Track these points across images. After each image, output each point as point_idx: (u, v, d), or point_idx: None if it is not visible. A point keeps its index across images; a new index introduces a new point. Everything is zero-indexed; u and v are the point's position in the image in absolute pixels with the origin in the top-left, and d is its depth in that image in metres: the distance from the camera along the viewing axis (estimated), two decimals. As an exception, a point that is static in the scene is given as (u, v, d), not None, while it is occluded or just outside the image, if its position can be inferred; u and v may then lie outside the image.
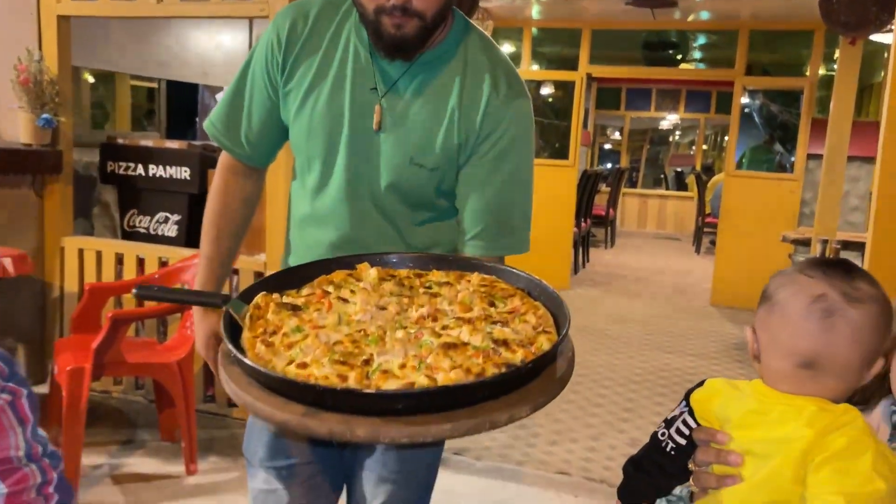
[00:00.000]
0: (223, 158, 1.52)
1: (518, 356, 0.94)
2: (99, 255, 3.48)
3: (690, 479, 1.04)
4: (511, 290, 1.14)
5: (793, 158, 6.99)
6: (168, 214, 3.75)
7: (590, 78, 7.52)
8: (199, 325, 1.50)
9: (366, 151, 1.37)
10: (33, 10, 3.38)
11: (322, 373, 0.88)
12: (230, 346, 0.95)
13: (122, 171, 3.78)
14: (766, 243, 6.09)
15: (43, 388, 3.25)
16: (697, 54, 10.01)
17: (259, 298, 1.09)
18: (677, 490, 1.11)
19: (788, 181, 6.53)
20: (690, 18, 6.46)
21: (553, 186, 6.55)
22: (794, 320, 0.96)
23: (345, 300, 1.10)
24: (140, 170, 3.74)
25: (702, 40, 8.93)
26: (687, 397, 1.07)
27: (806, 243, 4.47)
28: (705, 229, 9.60)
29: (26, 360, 3.54)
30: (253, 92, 1.44)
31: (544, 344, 0.98)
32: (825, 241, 3.88)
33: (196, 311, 1.50)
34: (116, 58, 4.60)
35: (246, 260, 3.20)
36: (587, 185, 7.92)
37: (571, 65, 6.85)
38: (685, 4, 5.80)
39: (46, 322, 3.60)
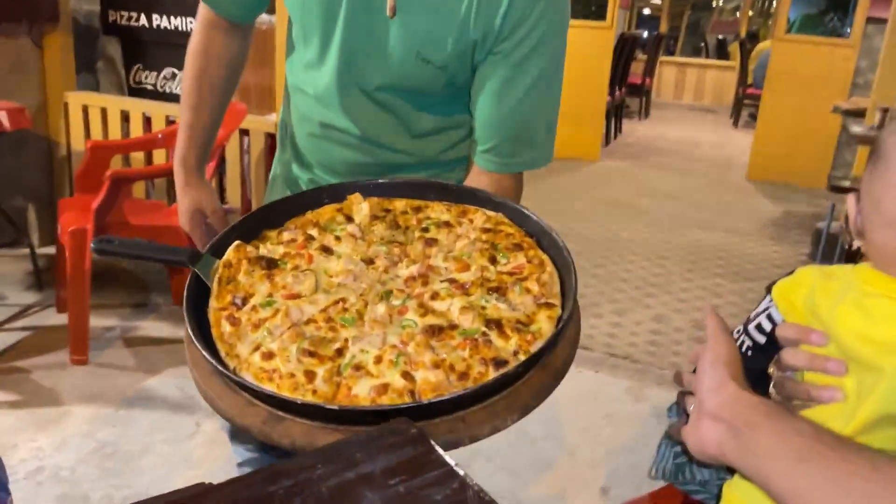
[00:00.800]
0: (203, 12, 1.30)
1: (511, 344, 0.82)
2: (104, 112, 3.30)
3: (770, 388, 0.83)
4: (517, 238, 0.99)
5: (848, 29, 6.47)
6: (175, 70, 3.52)
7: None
8: (181, 197, 1.33)
9: (365, 38, 1.14)
10: None
11: (288, 369, 0.80)
12: (190, 333, 0.85)
13: (124, 22, 3.53)
14: (813, 115, 5.74)
15: (51, 249, 3.18)
16: None
17: (231, 253, 0.96)
18: None
19: (843, 47, 6.06)
20: None
21: (588, 49, 6.14)
22: None
23: (328, 251, 0.98)
24: (143, 20, 3.48)
25: None
26: (769, 289, 0.86)
27: (860, 114, 4.13)
28: (745, 101, 9.16)
29: (36, 220, 3.45)
30: None
31: (544, 325, 0.84)
32: (885, 110, 3.56)
33: (177, 179, 1.33)
34: None
35: (256, 120, 3.01)
36: (623, 51, 7.48)
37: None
38: None
39: (54, 181, 3.48)
